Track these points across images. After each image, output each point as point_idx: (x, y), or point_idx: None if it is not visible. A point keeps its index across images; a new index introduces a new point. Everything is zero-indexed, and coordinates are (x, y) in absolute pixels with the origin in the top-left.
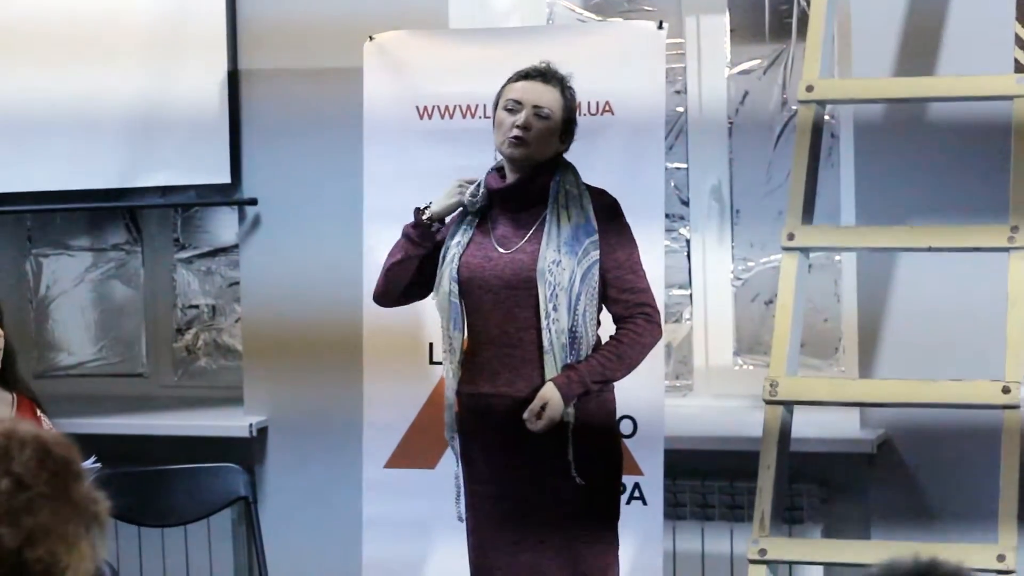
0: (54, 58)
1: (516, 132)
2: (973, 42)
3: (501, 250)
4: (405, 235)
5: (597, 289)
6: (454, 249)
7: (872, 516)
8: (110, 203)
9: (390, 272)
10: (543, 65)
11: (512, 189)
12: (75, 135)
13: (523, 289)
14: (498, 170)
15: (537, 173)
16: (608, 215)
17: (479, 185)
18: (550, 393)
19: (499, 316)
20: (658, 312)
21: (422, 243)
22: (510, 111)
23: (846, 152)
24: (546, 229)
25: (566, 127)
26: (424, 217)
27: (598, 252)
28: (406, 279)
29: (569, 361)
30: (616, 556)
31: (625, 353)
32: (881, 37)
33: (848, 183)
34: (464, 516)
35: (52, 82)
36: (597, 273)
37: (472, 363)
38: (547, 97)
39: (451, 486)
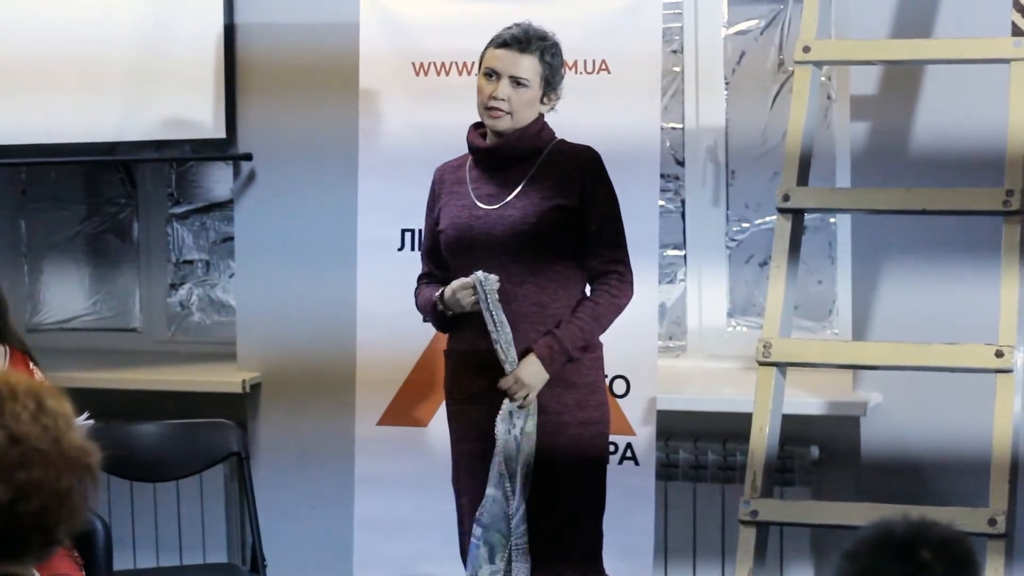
0: (48, 11)
1: (493, 104)
2: (970, 5)
3: (485, 207)
4: (428, 316)
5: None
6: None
7: (863, 479)
8: (104, 157)
9: (422, 314)
10: (520, 31)
11: (498, 150)
12: (70, 89)
13: (516, 244)
14: (476, 126)
15: (524, 134)
16: (591, 171)
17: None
18: (533, 369)
19: (496, 271)
20: (631, 272)
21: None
22: (488, 78)
23: (842, 114)
24: (535, 186)
25: (547, 90)
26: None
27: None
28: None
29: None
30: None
31: (603, 314)
32: None
33: (844, 145)
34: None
35: (46, 36)
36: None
37: (465, 320)
38: (524, 65)
39: (443, 444)
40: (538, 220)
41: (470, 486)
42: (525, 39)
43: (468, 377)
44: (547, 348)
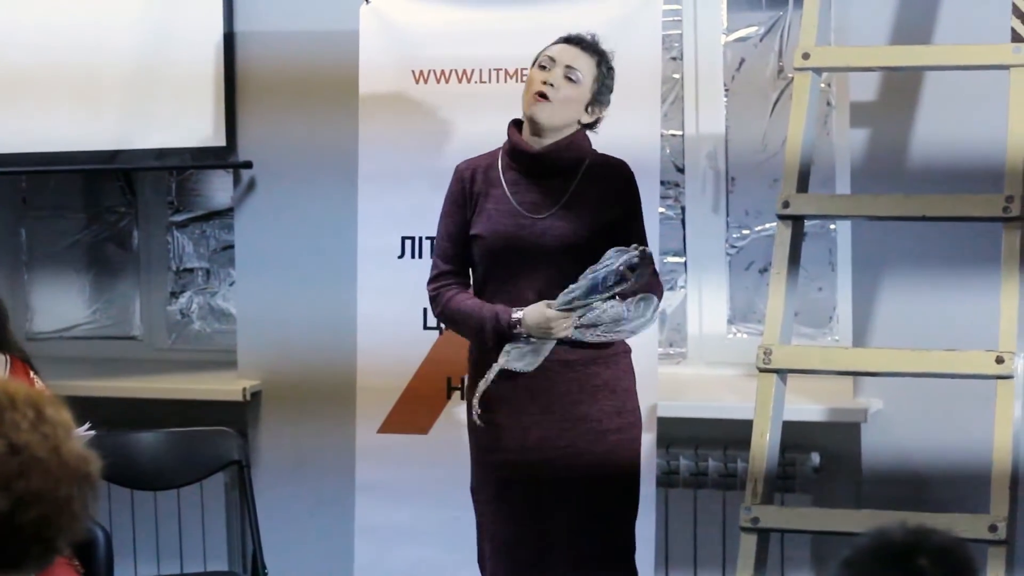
0: (49, 20)
1: (541, 88)
2: (970, 12)
3: (531, 215)
4: (488, 328)
5: None
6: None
7: (864, 486)
8: (105, 165)
9: (449, 323)
10: (589, 35)
11: (547, 157)
12: (70, 97)
13: (565, 256)
14: (515, 124)
15: (572, 142)
16: (632, 188)
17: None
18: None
19: (541, 282)
20: (662, 287)
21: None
22: (542, 68)
23: (842, 120)
24: (581, 199)
25: (595, 98)
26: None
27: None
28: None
29: None
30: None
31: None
32: (878, 5)
33: (843, 151)
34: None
35: (46, 44)
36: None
37: None
38: (581, 61)
39: (445, 451)
40: (589, 234)
41: (492, 497)
42: (588, 42)
43: (503, 383)
44: None
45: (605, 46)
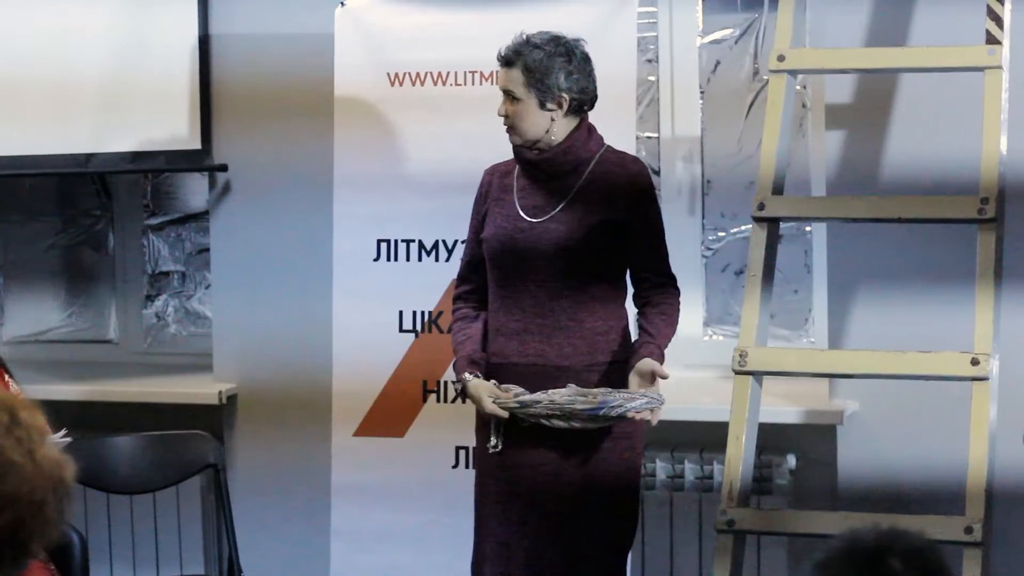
0: (23, 23)
1: (504, 122)
2: (944, 14)
3: (530, 219)
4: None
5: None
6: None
7: (840, 487)
8: (79, 169)
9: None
10: (507, 47)
11: (541, 164)
12: (45, 100)
13: (560, 259)
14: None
15: (569, 147)
16: (640, 185)
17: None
18: (654, 363)
19: (534, 286)
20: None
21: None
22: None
23: (817, 123)
24: (582, 200)
25: (542, 94)
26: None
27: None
28: None
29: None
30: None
31: (674, 320)
32: (853, 8)
33: (819, 153)
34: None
35: (20, 48)
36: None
37: (503, 332)
38: (511, 80)
39: (420, 454)
40: (583, 236)
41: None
42: (512, 54)
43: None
44: (656, 348)
45: (523, 36)
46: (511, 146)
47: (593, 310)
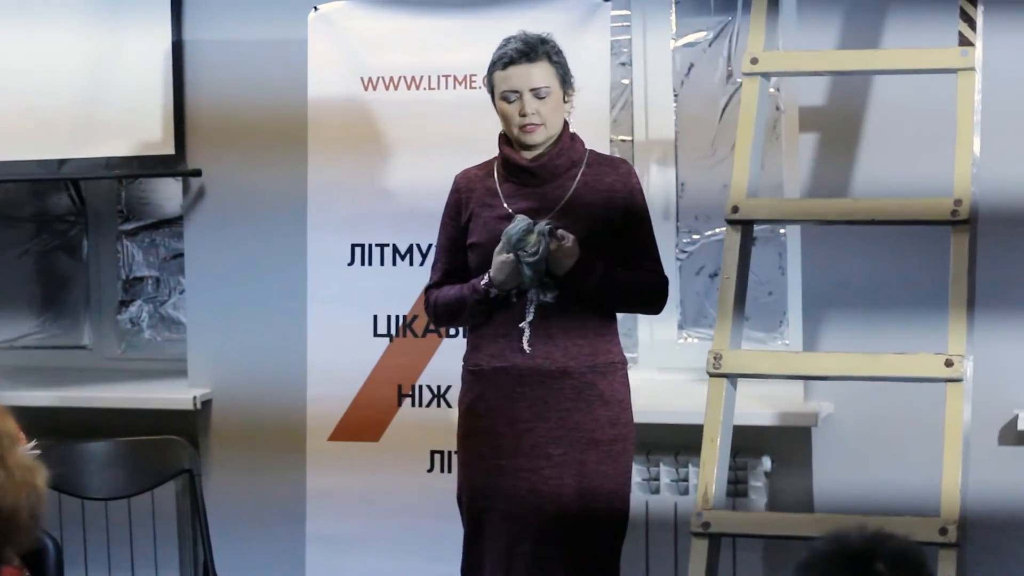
0: None
1: (526, 121)
2: (917, 16)
3: None
4: (469, 303)
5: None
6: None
7: (816, 489)
8: (53, 174)
9: (440, 318)
10: (521, 43)
11: (542, 169)
12: (18, 106)
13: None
14: (505, 138)
15: (562, 149)
16: (632, 187)
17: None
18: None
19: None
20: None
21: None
22: (508, 101)
23: (791, 125)
24: (578, 203)
25: (565, 88)
26: (491, 295)
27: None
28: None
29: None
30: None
31: (640, 284)
32: (826, 10)
33: (792, 156)
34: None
35: None
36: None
37: (503, 334)
38: (539, 75)
39: (395, 458)
40: (585, 237)
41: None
42: (530, 49)
43: (498, 391)
44: (596, 260)
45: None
46: (497, 150)
47: (593, 310)
